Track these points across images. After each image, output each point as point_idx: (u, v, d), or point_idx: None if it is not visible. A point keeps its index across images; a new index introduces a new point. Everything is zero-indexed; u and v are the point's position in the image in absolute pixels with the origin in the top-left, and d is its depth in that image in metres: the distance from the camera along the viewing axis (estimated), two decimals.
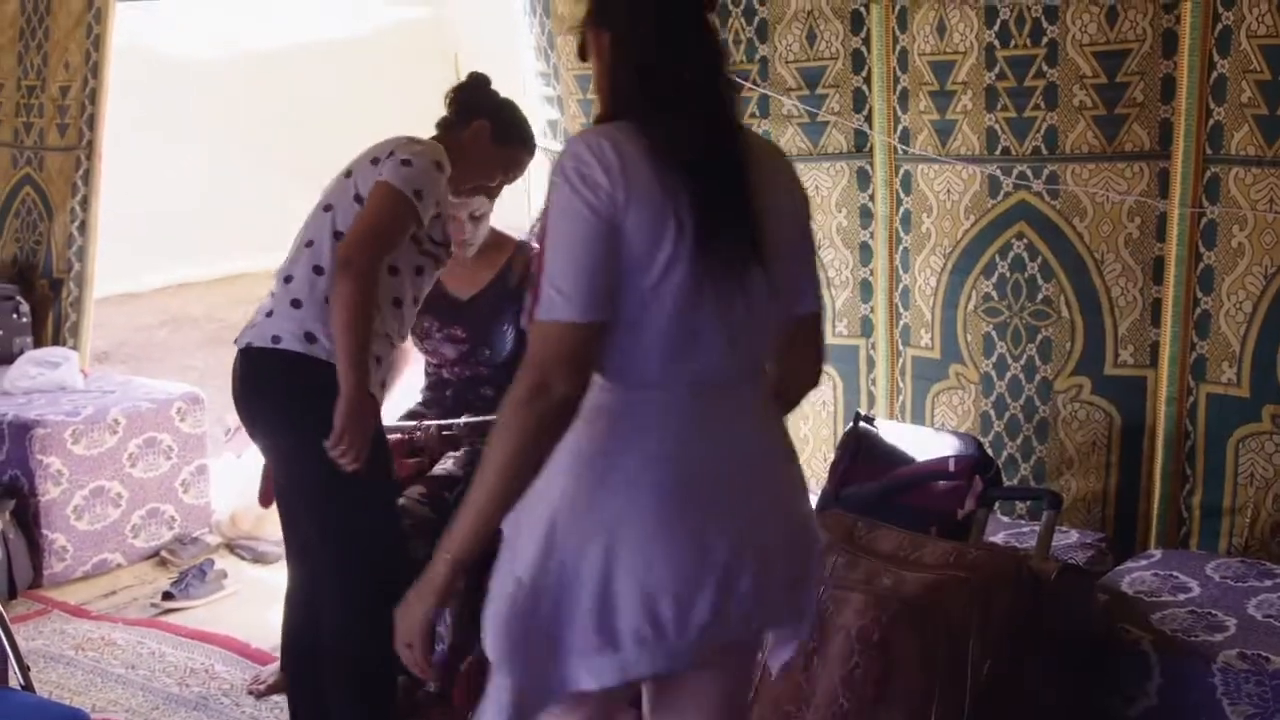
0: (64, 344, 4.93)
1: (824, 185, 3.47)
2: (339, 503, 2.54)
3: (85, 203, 4.90)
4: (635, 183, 1.64)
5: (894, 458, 2.89)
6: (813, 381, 1.94)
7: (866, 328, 3.51)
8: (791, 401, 1.94)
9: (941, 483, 2.73)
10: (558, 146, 3.99)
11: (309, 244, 2.65)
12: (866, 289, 3.49)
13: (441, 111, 2.86)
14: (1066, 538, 3.00)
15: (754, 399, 1.80)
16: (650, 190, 1.64)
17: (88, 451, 4.19)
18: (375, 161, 2.61)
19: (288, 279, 2.68)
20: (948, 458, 2.75)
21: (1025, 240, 3.15)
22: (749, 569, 1.73)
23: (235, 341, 2.76)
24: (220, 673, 3.48)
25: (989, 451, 2.86)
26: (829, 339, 3.51)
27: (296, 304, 2.65)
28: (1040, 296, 3.15)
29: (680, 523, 1.70)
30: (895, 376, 3.49)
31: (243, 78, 7.55)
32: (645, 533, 1.69)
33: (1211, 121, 2.84)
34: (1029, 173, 3.09)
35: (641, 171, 1.65)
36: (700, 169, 1.67)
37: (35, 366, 4.60)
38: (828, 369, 3.57)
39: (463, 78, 2.94)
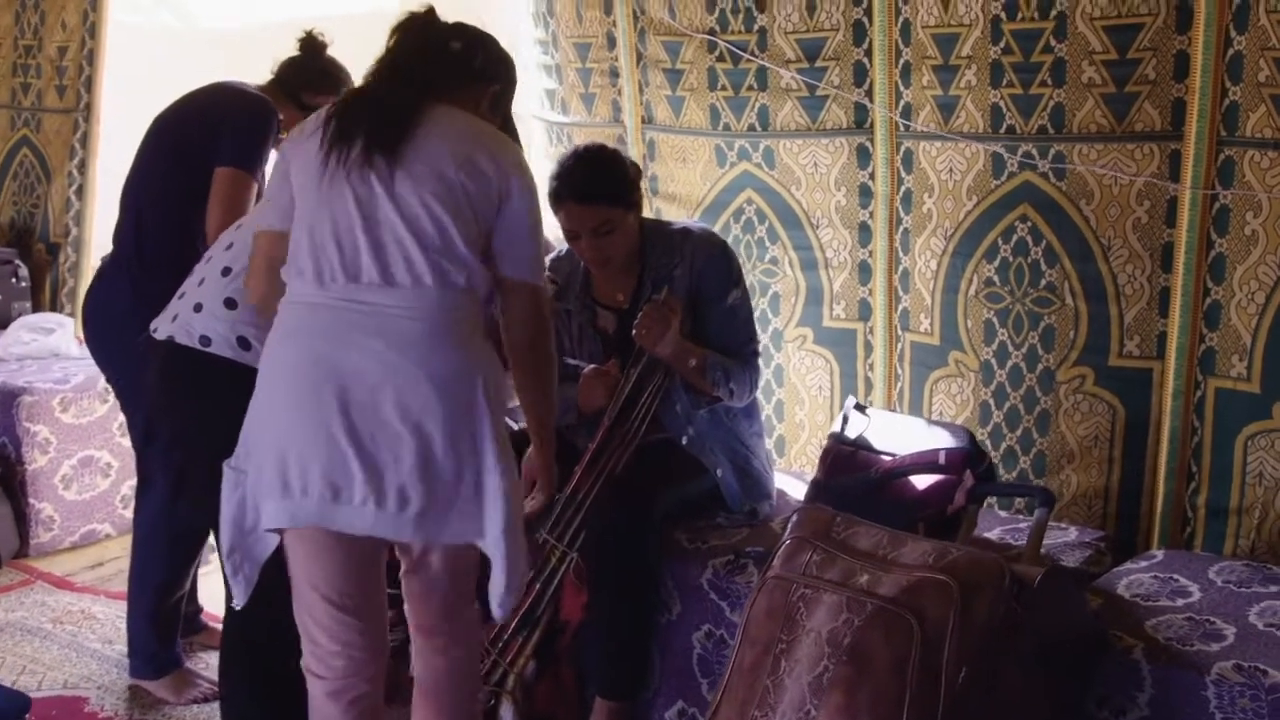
0: (61, 310, 4.87)
1: (823, 162, 3.34)
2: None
3: (83, 166, 4.83)
4: (304, 132, 2.25)
5: (884, 449, 2.78)
6: (519, 342, 2.28)
7: (865, 311, 3.39)
8: (511, 353, 2.30)
9: (931, 476, 2.61)
10: (555, 116, 3.88)
11: None
12: (865, 271, 3.36)
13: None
14: (1065, 535, 2.88)
15: (411, 314, 2.13)
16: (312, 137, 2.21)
17: (77, 420, 4.14)
18: None
19: (225, 271, 2.56)
20: (938, 450, 2.63)
21: (1029, 223, 3.01)
22: (361, 456, 2.10)
23: (153, 329, 2.64)
24: (199, 653, 3.41)
25: (984, 444, 2.73)
26: (825, 320, 3.46)
27: (231, 304, 2.52)
28: (1044, 282, 3.02)
29: (300, 399, 2.12)
30: (894, 362, 3.37)
31: (259, 46, 7.46)
32: (276, 403, 2.16)
33: (1227, 101, 2.69)
34: (1034, 152, 2.95)
35: (312, 126, 2.24)
36: (349, 118, 2.20)
37: (29, 332, 4.55)
38: (823, 353, 3.47)
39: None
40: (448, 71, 2.27)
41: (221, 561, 2.28)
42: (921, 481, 2.63)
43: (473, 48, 2.31)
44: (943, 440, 2.68)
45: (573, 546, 2.76)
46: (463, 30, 2.32)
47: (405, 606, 2.42)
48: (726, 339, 2.92)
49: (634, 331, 2.76)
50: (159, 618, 3.19)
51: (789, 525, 2.38)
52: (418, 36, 2.28)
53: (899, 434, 2.79)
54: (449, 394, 2.13)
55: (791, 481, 3.27)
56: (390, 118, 2.17)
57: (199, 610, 3.49)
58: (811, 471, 3.27)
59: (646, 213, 3.65)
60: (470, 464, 2.14)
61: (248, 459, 2.20)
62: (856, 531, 2.30)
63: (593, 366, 2.88)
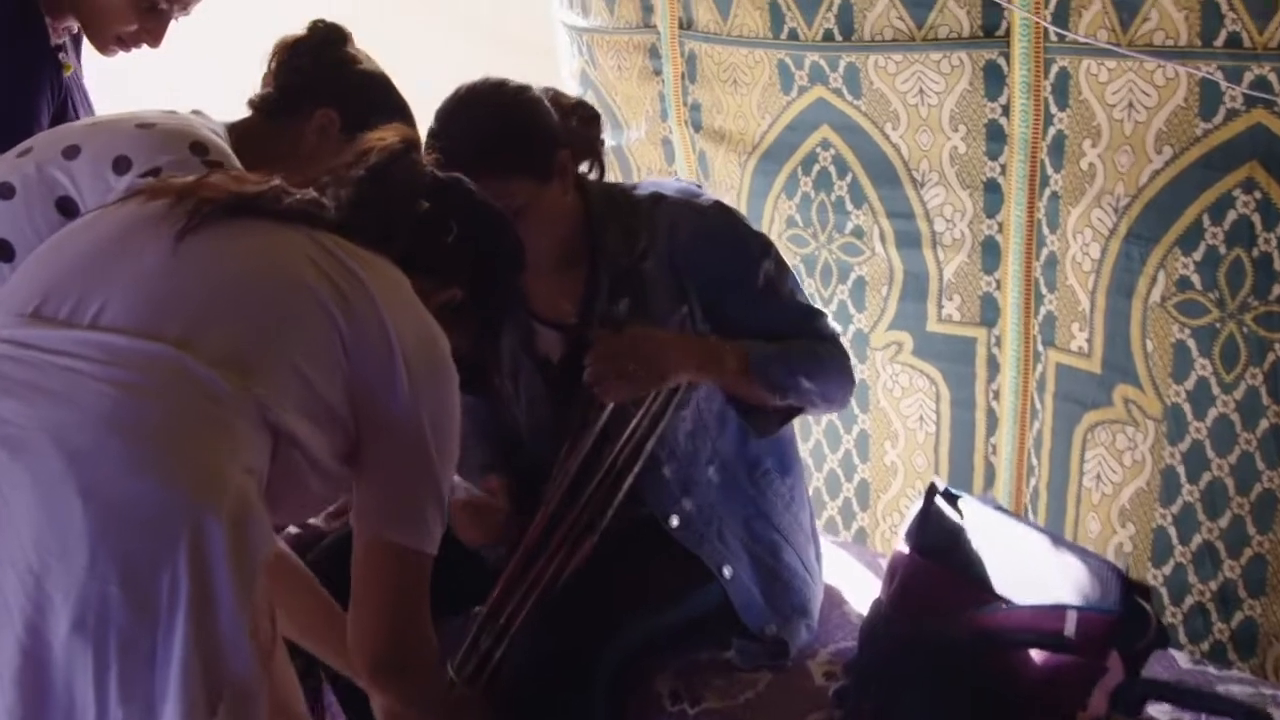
0: None
1: (933, 88, 2.22)
2: None
3: None
4: None
5: (982, 578, 1.68)
6: (363, 644, 1.41)
7: (989, 311, 2.29)
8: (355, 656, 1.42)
9: (1052, 653, 1.52)
10: (573, 19, 2.84)
11: None
12: (992, 252, 2.26)
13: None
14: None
15: (108, 375, 1.23)
16: None
17: None
18: (123, 168, 1.65)
19: None
20: (1064, 608, 1.53)
21: (1258, 193, 1.87)
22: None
23: None
24: None
25: (1144, 597, 1.60)
26: (931, 323, 2.35)
27: None
28: (1277, 291, 1.87)
29: None
30: (1029, 391, 2.27)
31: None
32: None
33: None
34: (1273, 80, 1.79)
35: None
36: None
37: None
38: (927, 369, 2.39)
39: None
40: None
41: None
42: (1035, 656, 1.54)
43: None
44: (1075, 583, 1.57)
45: (490, 688, 1.81)
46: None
47: None
48: (776, 329, 1.88)
49: (585, 379, 1.75)
50: None
51: None
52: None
53: (1006, 553, 1.69)
54: (109, 539, 1.14)
55: (859, 573, 2.19)
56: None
57: None
58: (890, 544, 2.19)
59: (685, 157, 2.61)
60: (129, 686, 1.13)
61: None
62: None
63: (463, 493, 1.88)
